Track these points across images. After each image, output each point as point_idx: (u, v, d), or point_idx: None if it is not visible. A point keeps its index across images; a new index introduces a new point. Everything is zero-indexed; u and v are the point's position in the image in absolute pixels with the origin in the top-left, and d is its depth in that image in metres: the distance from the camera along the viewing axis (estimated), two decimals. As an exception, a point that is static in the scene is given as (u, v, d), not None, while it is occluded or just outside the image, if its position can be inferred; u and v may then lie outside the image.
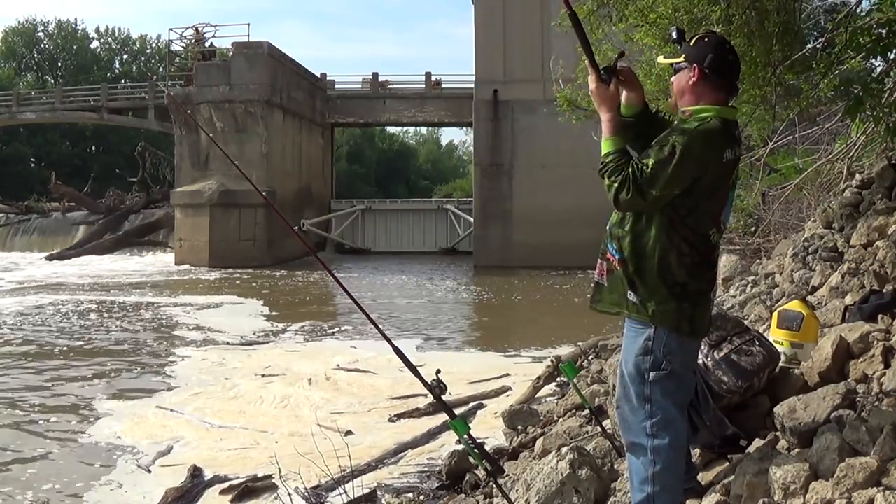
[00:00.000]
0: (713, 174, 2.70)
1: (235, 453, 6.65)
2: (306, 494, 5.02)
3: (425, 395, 7.59)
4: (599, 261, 2.88)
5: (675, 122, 2.85)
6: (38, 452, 6.87)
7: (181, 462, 6.31)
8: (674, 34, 2.94)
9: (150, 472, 6.31)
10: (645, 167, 2.66)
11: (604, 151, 2.78)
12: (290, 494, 4.87)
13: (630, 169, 2.67)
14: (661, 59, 3.16)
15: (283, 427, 7.38)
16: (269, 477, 5.77)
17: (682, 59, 2.84)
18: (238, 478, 5.89)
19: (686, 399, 2.93)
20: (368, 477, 5.66)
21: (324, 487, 5.27)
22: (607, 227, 2.87)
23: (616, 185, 2.69)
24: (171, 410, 7.97)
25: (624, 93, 2.90)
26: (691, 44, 2.83)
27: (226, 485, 5.74)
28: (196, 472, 5.88)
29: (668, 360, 2.74)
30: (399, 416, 7.62)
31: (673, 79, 2.90)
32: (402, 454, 6.37)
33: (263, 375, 9.59)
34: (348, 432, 6.79)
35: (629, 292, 2.77)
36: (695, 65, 2.78)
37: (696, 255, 2.75)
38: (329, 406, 8.02)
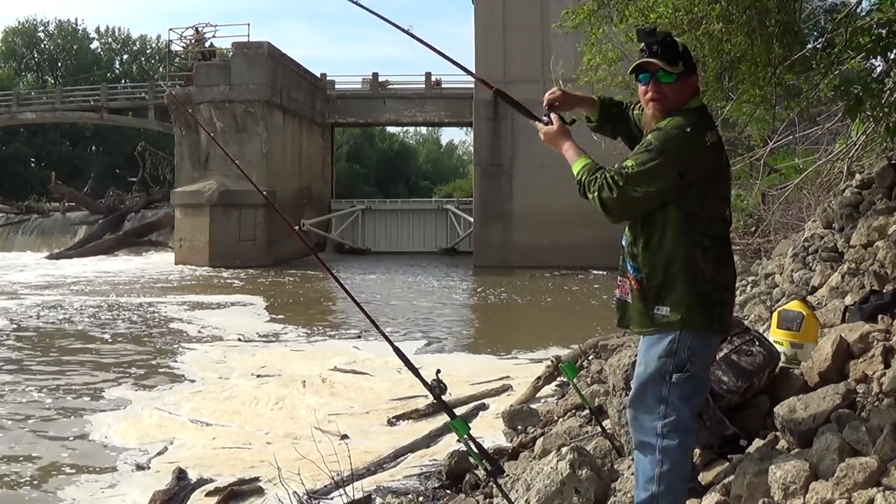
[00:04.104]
0: (700, 163, 2.70)
1: (229, 454, 6.62)
2: (296, 499, 4.98)
3: (425, 397, 7.59)
4: (620, 278, 2.88)
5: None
6: (32, 451, 6.86)
7: (175, 462, 6.27)
8: (644, 37, 2.82)
9: (146, 471, 6.31)
10: (626, 168, 2.69)
11: (574, 173, 2.83)
12: (289, 495, 4.87)
13: (606, 174, 2.72)
14: (667, 66, 2.76)
15: (278, 429, 7.34)
16: (256, 480, 5.75)
17: (681, 68, 2.76)
18: (224, 479, 5.84)
19: (700, 404, 2.92)
20: (366, 481, 5.61)
21: (315, 492, 5.23)
22: (623, 244, 2.87)
23: (597, 192, 2.72)
24: (169, 413, 7.95)
25: (570, 111, 3.10)
26: (680, 49, 2.78)
27: (212, 487, 5.70)
28: (181, 475, 5.82)
29: (692, 361, 2.73)
30: (398, 418, 7.56)
31: (667, 89, 2.76)
32: (403, 458, 6.31)
33: (259, 376, 9.57)
34: (344, 436, 6.72)
35: (657, 307, 2.74)
36: (693, 74, 2.82)
37: (719, 244, 2.77)
38: (326, 409, 7.95)
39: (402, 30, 3.79)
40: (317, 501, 5.15)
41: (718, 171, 2.76)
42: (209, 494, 5.61)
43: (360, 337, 12.47)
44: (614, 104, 3.13)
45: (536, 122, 3.02)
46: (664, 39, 2.79)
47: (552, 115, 2.99)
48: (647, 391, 2.79)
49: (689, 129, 2.69)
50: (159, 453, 6.71)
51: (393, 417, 7.59)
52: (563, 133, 2.96)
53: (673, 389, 2.73)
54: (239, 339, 12.53)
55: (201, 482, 5.80)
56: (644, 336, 2.84)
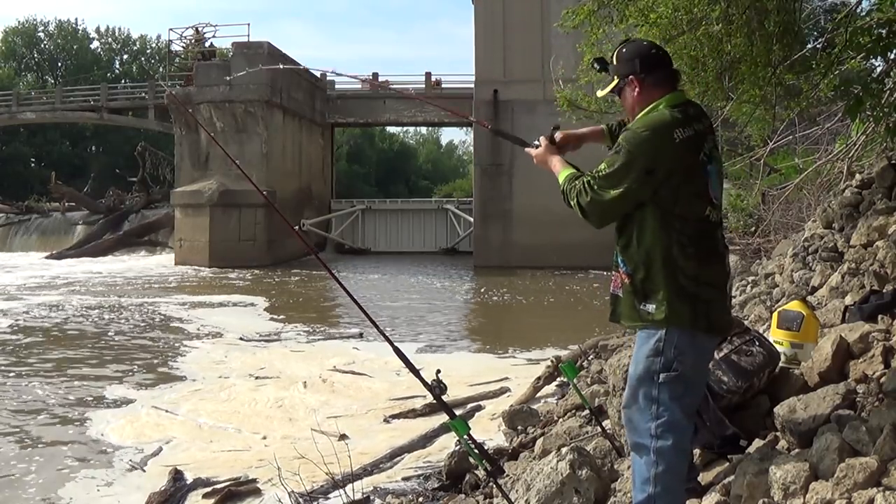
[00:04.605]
0: (668, 159, 2.71)
1: (227, 455, 6.62)
2: (293, 500, 4.98)
3: (423, 396, 7.60)
4: (614, 273, 2.91)
5: None
6: (31, 449, 6.88)
7: (172, 463, 6.28)
8: (596, 66, 3.05)
9: (142, 470, 6.31)
10: (598, 171, 2.78)
11: (560, 184, 2.94)
12: (288, 496, 4.86)
13: (582, 180, 2.82)
14: (600, 93, 3.19)
15: (276, 430, 7.34)
16: (253, 481, 5.73)
17: (616, 81, 2.92)
18: (220, 480, 5.82)
19: (694, 404, 2.92)
20: (364, 482, 5.59)
21: (312, 492, 5.21)
22: (616, 243, 2.91)
23: (576, 198, 2.82)
24: (166, 411, 7.96)
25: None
26: (615, 62, 2.91)
27: (209, 488, 5.68)
28: (177, 476, 5.80)
29: (679, 360, 2.73)
30: (394, 417, 7.56)
31: (620, 98, 2.99)
32: (399, 458, 6.31)
33: (258, 377, 9.55)
34: (342, 436, 6.73)
35: (643, 303, 2.77)
36: (630, 77, 2.86)
37: (700, 242, 2.76)
38: (324, 409, 7.95)
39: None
40: (315, 502, 5.14)
41: (693, 168, 2.75)
42: (206, 496, 5.60)
43: (361, 337, 12.46)
44: (620, 126, 3.19)
45: (528, 150, 3.18)
46: (604, 63, 3.00)
47: (541, 138, 3.12)
48: (638, 391, 2.80)
49: (655, 127, 2.73)
50: (155, 453, 6.71)
51: (389, 416, 7.59)
52: (549, 151, 3.09)
53: (662, 389, 2.74)
54: (241, 339, 12.54)
55: (197, 483, 5.78)
56: (637, 333, 2.86)
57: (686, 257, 2.72)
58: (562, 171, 2.96)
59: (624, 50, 2.92)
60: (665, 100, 2.81)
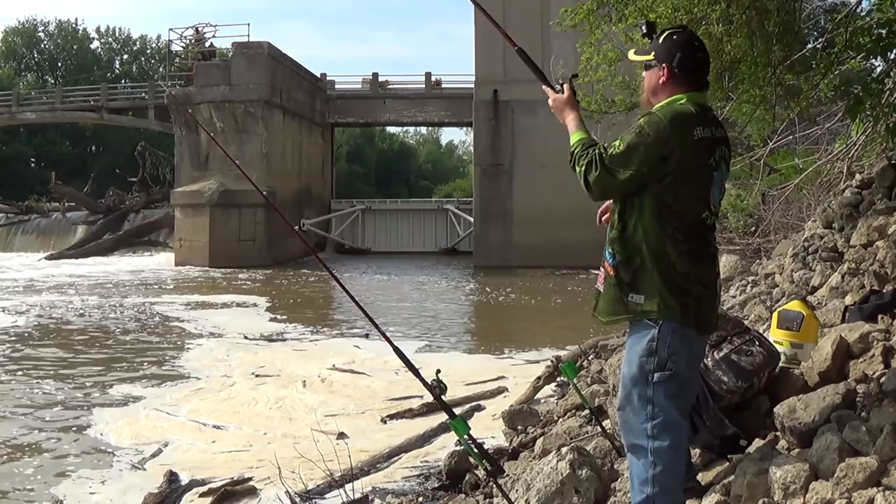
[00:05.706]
0: (684, 152, 2.69)
1: (226, 454, 6.61)
2: (288, 499, 4.97)
3: (421, 396, 7.60)
4: (600, 269, 2.90)
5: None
6: (30, 450, 6.87)
7: (171, 462, 6.27)
8: (643, 27, 2.98)
9: (141, 471, 6.30)
10: (612, 148, 2.74)
11: (570, 144, 2.88)
12: (285, 496, 4.86)
13: (596, 151, 2.76)
14: (632, 55, 3.03)
15: (276, 429, 7.33)
16: (249, 480, 5.73)
17: (651, 56, 2.85)
18: (215, 480, 5.80)
19: (688, 402, 2.92)
20: (363, 481, 5.59)
21: (310, 491, 5.20)
22: (607, 234, 2.89)
23: (583, 168, 2.78)
24: (167, 413, 7.95)
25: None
26: (660, 41, 2.84)
27: (205, 488, 5.66)
28: (173, 477, 5.78)
29: (673, 359, 2.73)
30: (392, 417, 7.55)
31: (644, 75, 2.92)
32: (397, 458, 6.29)
33: (258, 376, 9.56)
34: (341, 434, 6.72)
35: (631, 294, 2.76)
36: (664, 64, 2.80)
37: (693, 241, 2.75)
38: (323, 408, 7.94)
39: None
40: (313, 501, 5.15)
41: (701, 169, 2.74)
42: (202, 496, 5.59)
43: (367, 336, 12.41)
44: None
45: (548, 88, 3.06)
46: (652, 27, 2.93)
47: (564, 85, 3.03)
48: (633, 392, 2.79)
49: (678, 118, 2.71)
50: (155, 453, 6.70)
51: (386, 416, 7.59)
52: (570, 103, 3.00)
53: (657, 389, 2.73)
54: (245, 338, 12.54)
55: (193, 484, 5.77)
56: (629, 334, 2.85)
57: (678, 254, 2.72)
58: (575, 132, 2.90)
59: (674, 37, 2.83)
60: (688, 96, 2.79)
